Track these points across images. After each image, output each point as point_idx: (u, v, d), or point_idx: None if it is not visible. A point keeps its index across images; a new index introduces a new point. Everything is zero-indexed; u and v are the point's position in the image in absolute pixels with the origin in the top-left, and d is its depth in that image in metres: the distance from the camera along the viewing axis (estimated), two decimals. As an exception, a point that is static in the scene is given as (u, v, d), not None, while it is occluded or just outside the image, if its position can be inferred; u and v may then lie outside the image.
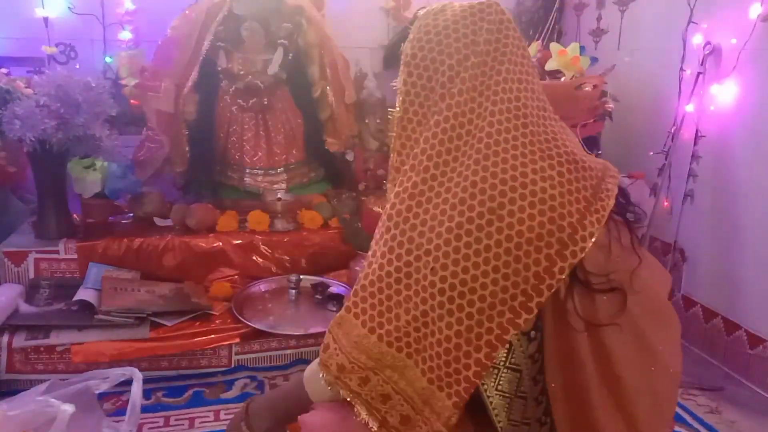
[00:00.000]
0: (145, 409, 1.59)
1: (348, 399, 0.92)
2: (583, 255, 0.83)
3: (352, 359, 0.91)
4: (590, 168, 0.90)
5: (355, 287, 0.94)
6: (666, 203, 2.14)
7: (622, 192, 0.96)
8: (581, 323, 0.85)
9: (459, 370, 0.83)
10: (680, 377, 0.96)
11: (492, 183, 0.83)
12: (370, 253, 0.94)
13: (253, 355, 1.87)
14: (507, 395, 0.87)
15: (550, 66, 2.36)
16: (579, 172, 0.88)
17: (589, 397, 0.87)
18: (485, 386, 0.87)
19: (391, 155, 0.95)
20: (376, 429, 0.89)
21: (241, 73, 2.33)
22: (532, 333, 0.86)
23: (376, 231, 0.94)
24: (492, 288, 0.81)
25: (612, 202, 0.89)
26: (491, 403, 0.87)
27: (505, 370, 0.86)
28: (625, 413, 0.88)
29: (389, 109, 0.98)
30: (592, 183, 0.89)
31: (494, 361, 0.84)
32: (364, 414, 0.91)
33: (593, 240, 0.84)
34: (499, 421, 0.87)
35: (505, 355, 0.86)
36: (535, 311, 0.81)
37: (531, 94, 0.91)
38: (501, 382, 0.87)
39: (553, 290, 0.82)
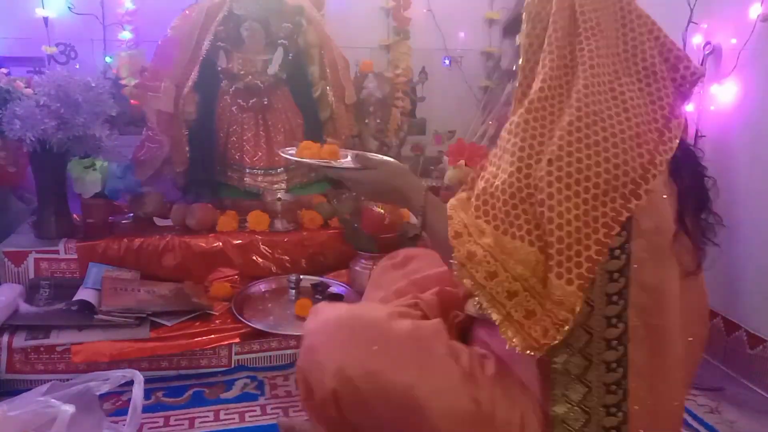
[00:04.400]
0: (145, 409, 1.59)
1: (469, 288, 0.98)
2: (674, 148, 0.97)
3: (486, 248, 0.97)
4: (664, 78, 1.02)
5: (477, 197, 1.01)
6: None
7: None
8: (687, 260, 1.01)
9: (580, 252, 0.92)
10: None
11: (593, 91, 0.97)
12: (489, 160, 1.04)
13: (253, 355, 1.87)
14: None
15: (550, 66, 2.36)
16: (659, 83, 1.02)
17: (669, 340, 0.97)
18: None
19: (515, 93, 1.07)
20: (498, 322, 0.95)
21: (241, 73, 2.33)
22: (615, 275, 0.94)
23: (500, 142, 1.03)
24: (605, 176, 0.92)
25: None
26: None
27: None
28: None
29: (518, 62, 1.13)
30: (669, 92, 1.01)
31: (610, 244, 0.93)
32: (485, 305, 0.96)
33: (678, 139, 0.98)
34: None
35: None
36: (644, 198, 0.93)
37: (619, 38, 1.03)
38: None
39: (657, 179, 0.94)
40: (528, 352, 0.93)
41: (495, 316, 0.95)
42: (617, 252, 0.93)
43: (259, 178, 2.38)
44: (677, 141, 0.98)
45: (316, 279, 2.13)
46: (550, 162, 0.94)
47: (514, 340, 0.94)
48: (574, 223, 0.92)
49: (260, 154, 2.38)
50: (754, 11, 1.82)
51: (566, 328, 0.92)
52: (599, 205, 0.92)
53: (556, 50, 1.01)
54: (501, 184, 0.98)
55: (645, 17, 1.05)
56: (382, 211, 2.08)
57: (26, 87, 1.89)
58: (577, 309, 0.92)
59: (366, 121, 2.57)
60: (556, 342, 0.93)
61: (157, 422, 1.61)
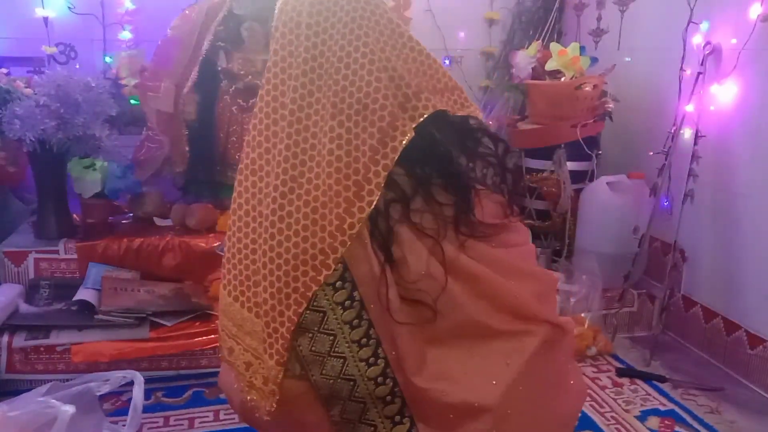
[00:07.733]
0: (145, 409, 1.59)
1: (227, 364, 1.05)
2: (371, 208, 0.91)
3: (222, 327, 1.05)
4: (381, 108, 0.94)
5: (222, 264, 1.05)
6: (666, 203, 2.14)
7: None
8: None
9: (277, 328, 0.93)
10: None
11: (294, 152, 0.95)
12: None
13: (253, 356, 1.87)
14: (320, 355, 0.94)
15: (550, 66, 2.36)
16: (366, 120, 0.93)
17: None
18: (300, 346, 0.94)
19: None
20: (246, 392, 1.00)
21: (241, 73, 2.33)
22: (338, 283, 0.93)
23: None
24: (294, 251, 0.91)
25: (408, 135, 0.93)
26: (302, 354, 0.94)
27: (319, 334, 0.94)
28: None
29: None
30: (381, 125, 0.93)
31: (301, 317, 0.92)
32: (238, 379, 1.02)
33: (380, 190, 0.92)
34: (312, 375, 0.94)
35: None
36: (333, 267, 0.91)
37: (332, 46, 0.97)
38: (315, 343, 0.94)
39: (347, 246, 0.90)
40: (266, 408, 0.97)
41: (243, 389, 1.01)
42: (338, 284, 0.93)
43: (259, 178, 2.37)
44: (381, 182, 0.92)
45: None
46: (256, 240, 0.97)
47: (255, 398, 0.99)
48: (270, 302, 0.93)
49: (260, 154, 2.38)
50: (754, 11, 1.82)
51: (275, 398, 0.95)
52: (291, 281, 0.92)
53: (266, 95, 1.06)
54: (229, 255, 1.02)
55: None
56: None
57: (26, 87, 1.89)
58: (279, 380, 0.94)
59: (366, 121, 2.56)
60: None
61: (157, 422, 1.61)
